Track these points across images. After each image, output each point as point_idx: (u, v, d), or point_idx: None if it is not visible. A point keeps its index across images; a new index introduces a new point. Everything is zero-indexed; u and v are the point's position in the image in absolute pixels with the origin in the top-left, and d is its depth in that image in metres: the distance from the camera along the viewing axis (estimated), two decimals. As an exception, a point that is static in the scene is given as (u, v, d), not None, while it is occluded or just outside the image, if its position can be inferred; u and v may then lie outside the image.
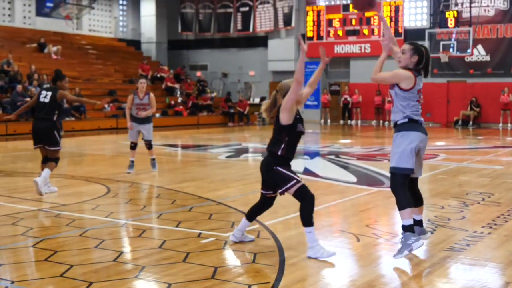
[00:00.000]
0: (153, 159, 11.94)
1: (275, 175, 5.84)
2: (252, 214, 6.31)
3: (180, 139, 20.82)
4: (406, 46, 5.83)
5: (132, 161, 11.68)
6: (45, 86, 13.82)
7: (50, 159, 9.34)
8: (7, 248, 6.13)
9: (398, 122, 5.76)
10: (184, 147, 18.57)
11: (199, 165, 13.86)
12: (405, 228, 5.56)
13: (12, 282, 5.00)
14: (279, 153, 5.83)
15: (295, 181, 5.75)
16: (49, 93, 9.30)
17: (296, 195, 5.79)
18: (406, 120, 5.71)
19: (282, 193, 5.96)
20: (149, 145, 11.83)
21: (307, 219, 5.69)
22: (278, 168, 5.81)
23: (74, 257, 5.78)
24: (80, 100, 10.27)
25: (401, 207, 5.62)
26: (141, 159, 12.74)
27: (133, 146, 11.77)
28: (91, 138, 20.68)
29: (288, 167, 5.88)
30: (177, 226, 7.08)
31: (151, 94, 11.83)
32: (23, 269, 5.50)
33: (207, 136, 22.44)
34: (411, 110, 5.71)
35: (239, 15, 35.40)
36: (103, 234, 6.72)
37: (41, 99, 9.32)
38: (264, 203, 6.25)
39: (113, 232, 7.01)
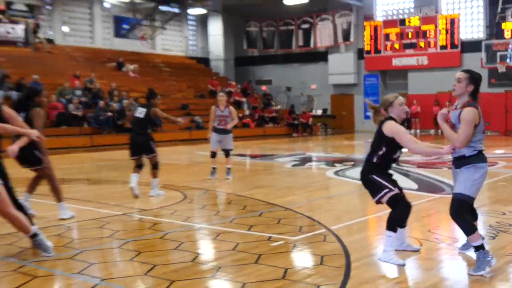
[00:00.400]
0: (229, 168, 12.12)
1: (370, 183, 5.63)
2: None
3: (249, 149, 20.97)
4: (461, 75, 5.41)
5: (214, 168, 12.00)
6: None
7: (152, 167, 9.94)
8: (96, 249, 6.34)
9: (467, 155, 5.36)
10: (252, 156, 18.69)
11: (267, 173, 13.95)
12: (478, 248, 5.27)
13: (102, 280, 5.18)
14: (374, 160, 5.60)
15: (387, 189, 5.52)
16: (144, 110, 9.81)
17: (388, 203, 5.59)
18: (476, 152, 5.36)
19: (377, 203, 5.69)
20: (227, 154, 12.11)
21: (392, 224, 5.51)
22: (373, 176, 5.59)
23: (156, 257, 5.92)
24: (168, 117, 10.61)
25: (468, 233, 5.33)
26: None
27: (213, 155, 12.08)
28: (167, 149, 21.03)
29: (383, 175, 5.61)
30: (248, 230, 7.16)
31: (231, 107, 12.19)
32: (111, 268, 5.70)
33: (273, 146, 22.51)
34: (479, 142, 5.39)
35: (300, 32, 35.49)
36: (181, 237, 6.86)
37: (137, 115, 9.86)
38: None
39: (190, 235, 7.14)
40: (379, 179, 5.57)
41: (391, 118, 5.66)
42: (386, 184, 5.55)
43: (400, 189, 5.66)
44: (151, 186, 10.01)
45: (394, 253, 5.53)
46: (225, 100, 12.20)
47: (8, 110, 6.15)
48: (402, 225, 5.74)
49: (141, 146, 9.84)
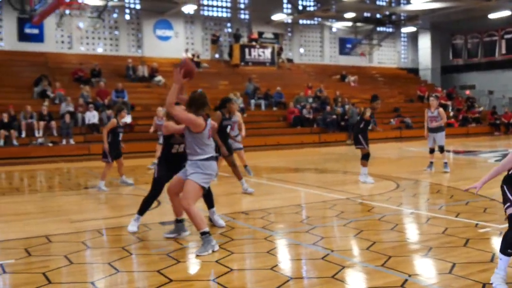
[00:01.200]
0: (445, 162, 11.39)
1: (502, 192, 4.17)
2: None
3: (452, 146, 19.59)
4: None
5: (431, 162, 11.49)
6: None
7: (361, 157, 9.95)
8: (325, 226, 6.37)
9: None
10: (456, 152, 17.42)
11: (471, 167, 12.87)
12: None
13: (332, 251, 5.16)
14: (509, 172, 4.13)
15: (509, 203, 4.04)
16: (360, 110, 9.93)
17: (508, 218, 4.05)
18: None
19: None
20: (441, 150, 11.47)
21: (502, 246, 4.06)
22: (504, 186, 4.14)
23: (375, 236, 5.76)
24: (366, 119, 10.23)
25: None
26: (421, 162, 12.28)
27: (431, 151, 11.55)
28: (381, 145, 20.60)
29: None
30: (456, 217, 6.63)
31: (440, 109, 11.51)
32: (338, 242, 5.64)
33: (476, 144, 20.72)
34: None
35: (503, 42, 32.24)
36: (396, 220, 6.59)
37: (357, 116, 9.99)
38: None
39: (403, 218, 6.84)
40: (507, 191, 4.08)
41: None
42: (510, 197, 4.05)
43: None
44: (360, 173, 9.84)
45: (502, 279, 4.02)
46: (436, 103, 11.51)
47: (212, 122, 6.52)
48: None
49: (354, 139, 9.98)
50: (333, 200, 8.05)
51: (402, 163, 14.04)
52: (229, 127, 8.64)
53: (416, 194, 8.86)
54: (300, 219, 6.76)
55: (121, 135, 9.70)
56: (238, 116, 10.35)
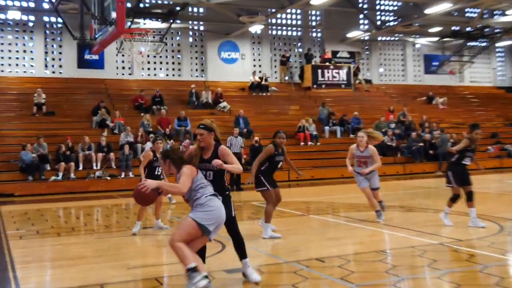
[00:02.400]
0: None
1: None
2: None
3: None
4: None
5: None
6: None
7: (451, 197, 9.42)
8: (415, 278, 5.98)
9: None
10: None
11: None
12: None
13: (424, 311, 4.82)
14: None
15: None
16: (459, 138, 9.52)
17: None
18: None
19: None
20: None
21: None
22: None
23: (476, 292, 5.36)
24: (450, 150, 9.65)
25: None
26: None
27: None
28: (477, 177, 19.58)
29: None
30: None
31: None
32: (431, 299, 5.29)
33: None
34: None
35: None
36: (500, 272, 6.10)
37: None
38: None
39: (509, 270, 6.34)
40: None
41: None
42: None
43: None
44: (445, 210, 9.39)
45: None
46: None
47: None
48: None
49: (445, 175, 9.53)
50: (424, 245, 7.62)
51: (505, 199, 13.24)
52: (280, 163, 8.59)
53: (524, 239, 8.24)
54: (384, 268, 6.42)
55: (158, 168, 9.28)
56: (370, 150, 10.04)
